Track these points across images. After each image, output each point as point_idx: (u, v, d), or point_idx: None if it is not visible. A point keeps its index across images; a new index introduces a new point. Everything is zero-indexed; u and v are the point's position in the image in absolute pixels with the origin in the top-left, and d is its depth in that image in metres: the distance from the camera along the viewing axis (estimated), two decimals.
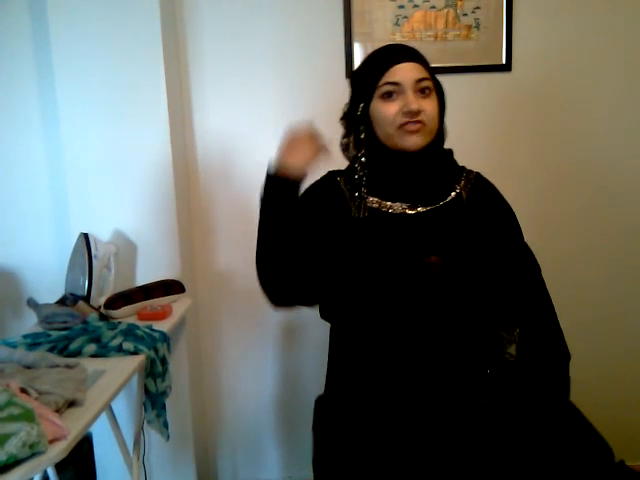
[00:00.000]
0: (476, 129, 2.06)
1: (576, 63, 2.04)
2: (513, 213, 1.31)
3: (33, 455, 0.96)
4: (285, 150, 1.19)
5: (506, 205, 1.31)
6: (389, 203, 1.23)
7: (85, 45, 1.80)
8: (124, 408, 1.85)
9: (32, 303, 1.62)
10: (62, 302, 1.67)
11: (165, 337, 1.56)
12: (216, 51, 1.99)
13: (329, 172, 1.36)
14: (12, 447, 0.92)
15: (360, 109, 1.23)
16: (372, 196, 1.24)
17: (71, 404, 1.15)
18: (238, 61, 1.99)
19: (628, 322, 2.19)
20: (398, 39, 1.99)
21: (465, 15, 1.99)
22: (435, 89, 1.20)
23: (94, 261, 1.72)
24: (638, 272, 2.17)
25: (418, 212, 1.22)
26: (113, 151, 1.85)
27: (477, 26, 2.00)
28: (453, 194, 1.24)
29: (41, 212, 2.02)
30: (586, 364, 2.19)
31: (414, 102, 1.15)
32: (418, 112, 1.15)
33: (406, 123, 1.17)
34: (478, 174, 1.33)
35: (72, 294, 1.70)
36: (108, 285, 1.81)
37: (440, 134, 1.25)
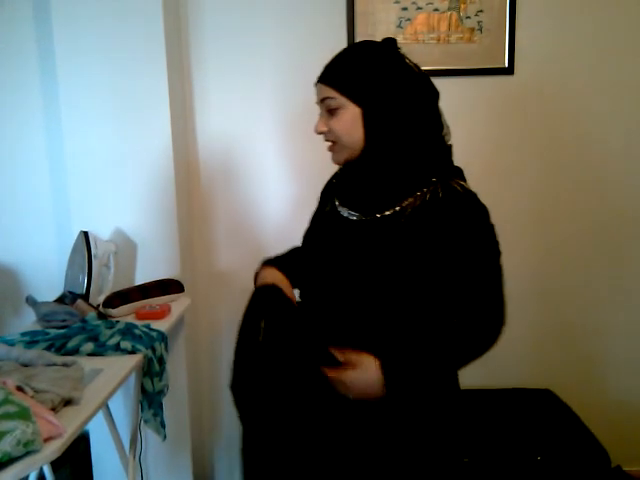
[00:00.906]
0: (478, 131, 2.06)
1: (578, 66, 2.04)
2: (473, 243, 1.11)
3: (28, 453, 0.95)
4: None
5: (464, 232, 1.10)
6: (341, 206, 1.24)
7: (88, 46, 1.80)
8: (121, 407, 1.85)
9: (31, 300, 1.62)
10: (61, 300, 1.67)
11: (163, 336, 1.56)
12: (218, 53, 1.99)
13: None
14: (6, 445, 0.92)
15: None
16: (337, 196, 1.27)
17: (67, 402, 1.15)
18: (240, 63, 2.00)
19: (629, 327, 2.19)
20: (401, 41, 1.98)
21: (468, 18, 1.99)
22: (357, 103, 1.13)
23: (94, 259, 1.71)
24: None
25: (359, 220, 1.19)
26: (114, 150, 1.85)
27: (480, 29, 2.00)
28: (398, 208, 1.14)
29: (42, 210, 2.02)
30: (585, 369, 2.20)
31: (317, 124, 1.18)
32: (320, 132, 1.19)
33: (327, 142, 1.21)
34: (448, 191, 1.12)
35: (71, 292, 1.69)
36: (107, 284, 1.81)
37: (370, 141, 1.14)
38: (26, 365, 1.26)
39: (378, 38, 1.94)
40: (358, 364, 1.10)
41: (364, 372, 1.09)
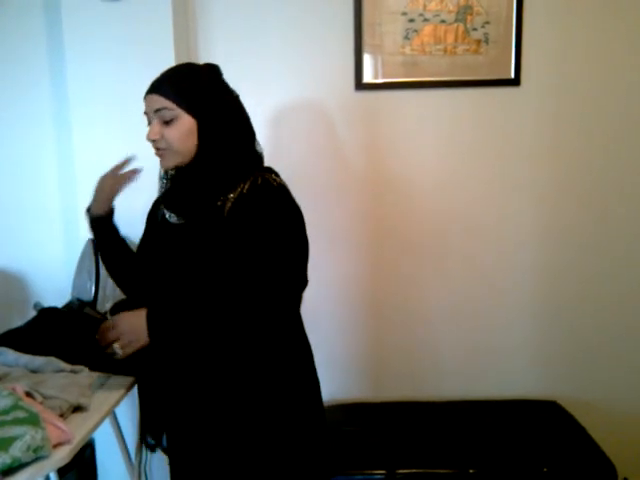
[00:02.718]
0: (484, 143, 2.06)
1: (585, 77, 2.05)
2: (267, 229, 1.24)
3: (37, 459, 0.96)
4: (93, 195, 1.46)
5: (262, 218, 1.24)
6: (167, 212, 1.36)
7: (97, 49, 1.82)
8: (127, 414, 1.85)
9: (39, 307, 1.63)
10: (69, 307, 1.68)
11: None
12: (226, 60, 1.99)
13: None
14: (17, 450, 0.93)
15: None
16: (163, 204, 1.38)
17: (76, 409, 1.16)
18: (248, 70, 2.01)
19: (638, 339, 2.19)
20: (408, 52, 2.01)
21: (475, 30, 2.01)
22: (191, 113, 1.26)
23: (101, 267, 1.72)
24: None
25: (175, 223, 1.33)
26: (122, 158, 1.86)
27: (486, 40, 2.01)
28: (219, 203, 1.27)
29: (50, 217, 2.03)
30: (590, 381, 2.19)
31: (150, 132, 1.28)
32: (153, 140, 1.29)
33: (155, 149, 1.31)
34: (257, 185, 1.27)
35: (79, 299, 1.70)
36: (115, 291, 1.81)
37: (203, 148, 1.28)
38: (35, 372, 1.27)
39: (385, 49, 1.99)
40: (128, 315, 1.25)
41: (131, 317, 1.24)
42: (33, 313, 1.67)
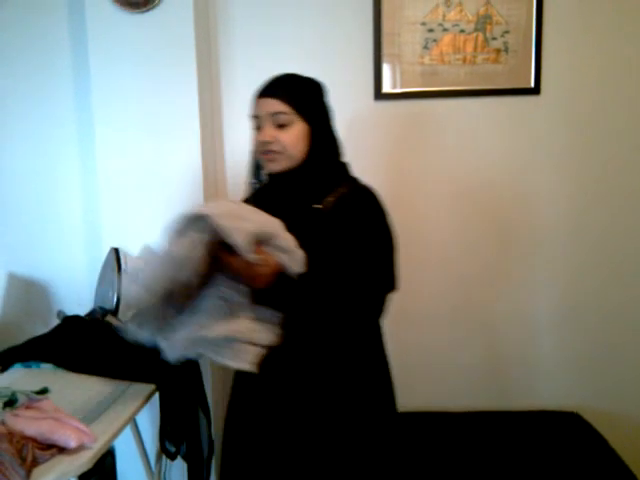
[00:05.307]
0: (505, 152, 2.06)
1: (605, 86, 2.03)
2: (372, 227, 1.32)
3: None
4: None
5: (367, 218, 1.32)
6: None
7: (121, 65, 1.85)
8: (147, 423, 1.86)
9: (62, 316, 1.66)
10: (91, 315, 1.70)
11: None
12: (247, 70, 2.03)
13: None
14: None
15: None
16: (256, 202, 1.35)
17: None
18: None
19: None
20: (427, 62, 2.01)
21: (494, 39, 2.00)
22: (304, 118, 1.31)
23: (123, 275, 1.74)
24: None
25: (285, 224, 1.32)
26: (145, 167, 1.89)
27: (506, 50, 2.01)
28: (321, 206, 1.32)
29: (73, 226, 2.06)
30: (612, 392, 2.16)
31: (266, 134, 1.31)
32: (268, 142, 1.30)
33: (264, 152, 1.33)
34: (357, 188, 1.36)
35: (101, 307, 1.72)
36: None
37: (314, 154, 1.33)
38: None
39: (404, 59, 2.00)
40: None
41: (264, 260, 1.16)
42: (56, 321, 1.70)
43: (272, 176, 1.37)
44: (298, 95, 1.33)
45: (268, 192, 1.39)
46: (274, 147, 1.31)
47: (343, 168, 1.40)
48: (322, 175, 1.35)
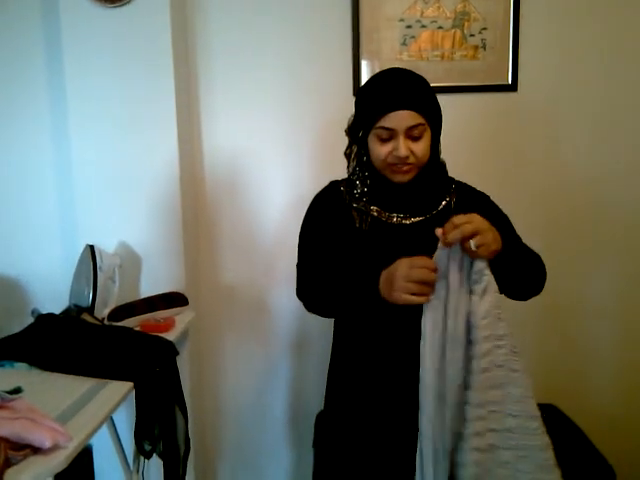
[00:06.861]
0: (482, 148, 2.07)
1: (582, 83, 2.06)
2: (503, 214, 1.42)
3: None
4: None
5: (493, 206, 1.42)
6: (387, 213, 1.35)
7: (96, 60, 1.83)
8: (125, 421, 1.85)
9: (36, 314, 1.63)
10: (66, 313, 1.68)
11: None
12: (225, 66, 2.01)
13: (331, 182, 1.46)
14: None
15: (360, 134, 1.34)
16: (373, 205, 1.36)
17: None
18: (247, 77, 2.02)
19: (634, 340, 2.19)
20: (405, 58, 2.01)
21: (472, 36, 2.01)
22: (429, 123, 1.28)
23: (99, 272, 1.72)
24: None
25: (413, 222, 1.34)
26: (121, 164, 1.87)
27: (484, 46, 2.02)
28: (444, 203, 1.37)
29: (48, 223, 2.03)
30: (588, 385, 2.19)
31: (403, 148, 1.25)
32: (407, 157, 1.26)
33: (395, 164, 1.29)
34: (464, 184, 1.44)
35: (76, 305, 1.70)
36: (112, 297, 1.81)
37: (433, 159, 1.34)
38: None
39: (383, 55, 2.00)
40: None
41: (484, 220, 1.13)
42: (31, 319, 1.67)
43: (397, 185, 1.33)
44: (429, 104, 1.29)
45: (393, 201, 1.35)
46: (409, 160, 1.27)
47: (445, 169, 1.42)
48: (445, 173, 1.40)
